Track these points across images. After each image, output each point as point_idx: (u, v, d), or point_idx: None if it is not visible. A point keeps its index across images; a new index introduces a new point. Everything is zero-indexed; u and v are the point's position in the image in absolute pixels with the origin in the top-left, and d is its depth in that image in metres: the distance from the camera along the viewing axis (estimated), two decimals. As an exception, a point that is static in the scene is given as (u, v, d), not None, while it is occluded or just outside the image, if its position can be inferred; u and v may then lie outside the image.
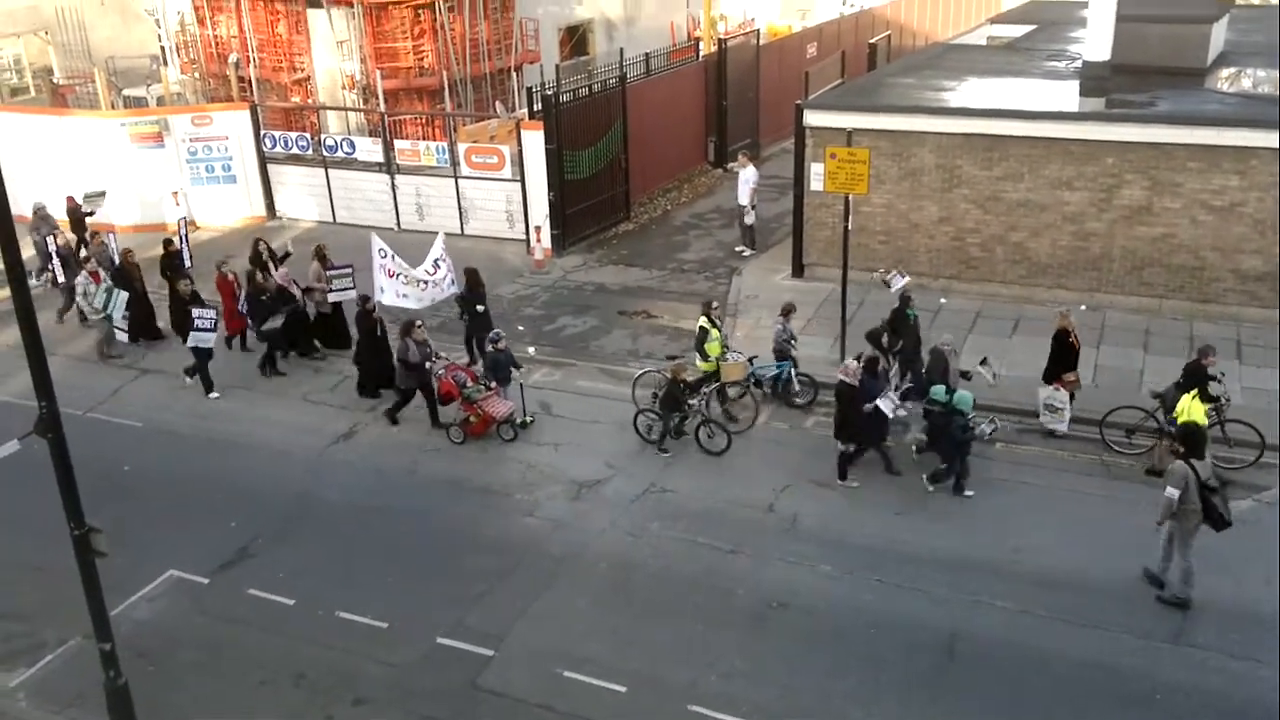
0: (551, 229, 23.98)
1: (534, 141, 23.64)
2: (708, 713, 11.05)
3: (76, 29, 38.47)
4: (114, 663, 10.62)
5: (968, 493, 14.41)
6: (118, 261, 20.49)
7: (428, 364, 16.53)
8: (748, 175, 23.42)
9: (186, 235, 21.61)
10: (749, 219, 23.58)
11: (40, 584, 13.20)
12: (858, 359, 14.89)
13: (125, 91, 34.04)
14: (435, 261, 18.78)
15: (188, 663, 12.07)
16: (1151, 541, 13.25)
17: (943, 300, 20.32)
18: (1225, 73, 23.42)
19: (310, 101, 31.65)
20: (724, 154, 29.47)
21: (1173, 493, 11.86)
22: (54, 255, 20.89)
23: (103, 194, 25.03)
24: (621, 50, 26.82)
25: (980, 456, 15.02)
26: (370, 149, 25.85)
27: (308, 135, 26.94)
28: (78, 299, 19.66)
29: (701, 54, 30.77)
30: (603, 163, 24.86)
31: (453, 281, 18.86)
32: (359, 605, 12.80)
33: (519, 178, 24.24)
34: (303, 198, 26.84)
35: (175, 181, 26.42)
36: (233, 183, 26.75)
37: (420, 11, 30.33)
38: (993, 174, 19.95)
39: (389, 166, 25.57)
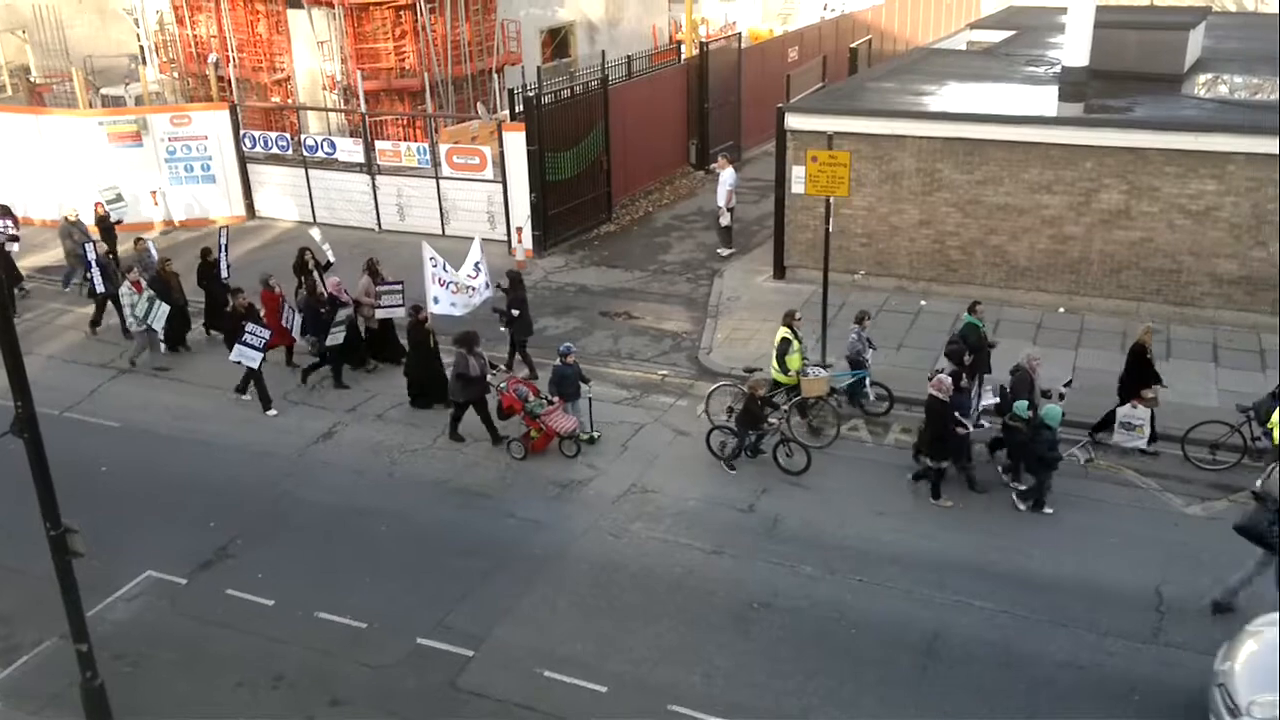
0: (533, 230, 23.96)
1: (515, 143, 23.62)
2: (689, 713, 11.04)
3: (54, 27, 38.18)
4: (90, 663, 10.52)
5: (1047, 510, 14.00)
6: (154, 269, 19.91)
7: (489, 377, 16.02)
8: (726, 177, 23.52)
9: (226, 245, 20.69)
10: (724, 220, 23.68)
11: (16, 584, 13.07)
12: (941, 371, 14.36)
13: (103, 90, 33.81)
14: (476, 265, 18.38)
15: (165, 663, 11.98)
16: (1130, 543, 13.38)
17: (923, 303, 20.42)
18: (1202, 78, 23.64)
19: (290, 102, 31.52)
20: (706, 156, 29.53)
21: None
22: (93, 264, 19.98)
23: (118, 194, 24.26)
24: (603, 53, 26.84)
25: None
26: (351, 149, 25.75)
27: (288, 135, 26.84)
28: (125, 309, 18.97)
29: (683, 57, 30.83)
30: (584, 164, 24.86)
31: (489, 285, 18.53)
32: (338, 606, 12.73)
33: (500, 179, 24.22)
34: (282, 198, 26.73)
35: (154, 181, 26.25)
36: (212, 182, 26.61)
37: (401, 12, 30.26)
38: (972, 178, 20.06)
39: (370, 167, 25.49)
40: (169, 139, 26.15)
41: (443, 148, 24.97)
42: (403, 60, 30.62)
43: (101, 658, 10.81)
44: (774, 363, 16.08)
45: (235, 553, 13.91)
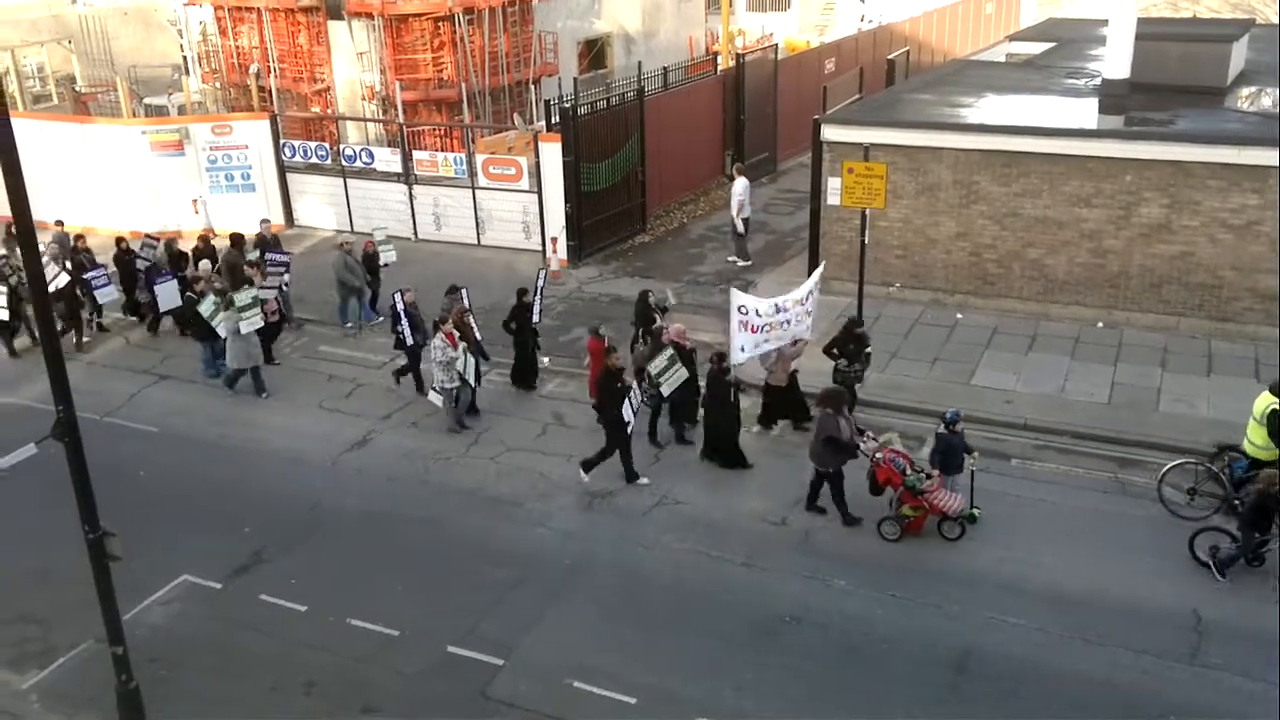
0: (568, 240, 24.04)
1: (551, 153, 23.73)
2: (718, 726, 11.02)
3: (100, 38, 38.86)
4: (126, 666, 10.65)
5: None
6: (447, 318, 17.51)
7: (861, 445, 14.17)
8: (736, 188, 23.56)
9: (542, 288, 18.72)
10: (739, 227, 23.77)
11: (54, 587, 13.25)
12: None
13: (147, 100, 34.37)
14: (809, 293, 16.47)
15: (199, 668, 12.10)
16: (1167, 562, 13.18)
17: (959, 316, 20.27)
18: (1245, 91, 23.34)
19: (330, 112, 31.85)
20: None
21: None
22: (402, 315, 17.80)
23: (387, 235, 22.36)
24: (640, 64, 26.93)
25: (997, 473, 14.98)
26: (389, 159, 26.00)
27: (327, 145, 27.11)
28: (435, 364, 16.70)
29: (719, 68, 30.84)
30: (620, 175, 24.91)
31: (809, 329, 16.57)
32: (370, 613, 12.81)
33: (536, 189, 24.33)
34: (321, 207, 26.99)
35: (195, 189, 26.62)
36: (251, 191, 26.91)
37: (440, 24, 30.54)
38: (1011, 190, 19.91)
39: (407, 177, 25.70)
40: (210, 148, 26.52)
41: (479, 158, 25.12)
42: (441, 71, 30.88)
43: (137, 661, 10.93)
44: (1256, 438, 13.54)
45: (269, 558, 14.03)
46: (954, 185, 20.27)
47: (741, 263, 23.79)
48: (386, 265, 21.69)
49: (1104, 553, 13.45)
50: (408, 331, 17.87)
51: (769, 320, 15.83)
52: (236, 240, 21.54)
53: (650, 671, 11.75)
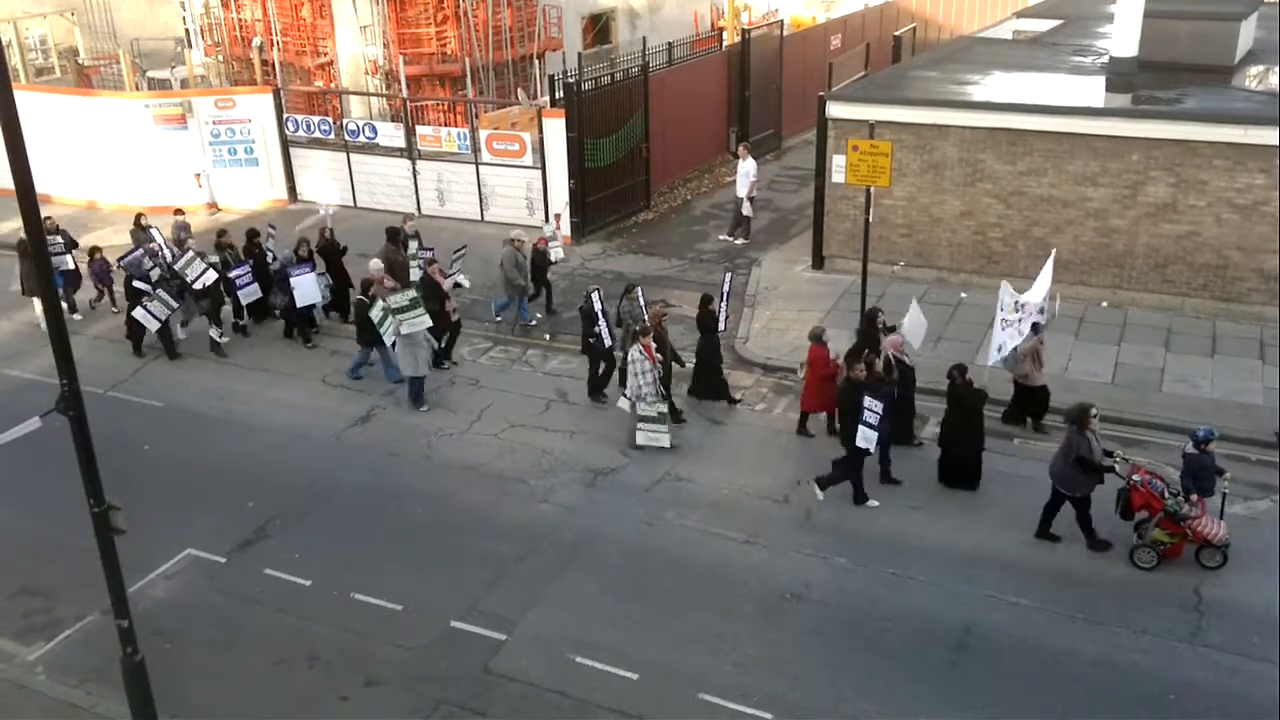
0: (571, 217, 23.97)
1: (555, 129, 23.64)
2: (719, 702, 11.06)
3: (102, 10, 38.64)
4: (131, 639, 10.68)
5: None
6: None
7: (1114, 465, 13.03)
8: (747, 168, 23.47)
9: (729, 291, 17.39)
10: (746, 210, 23.71)
11: (60, 560, 13.32)
12: None
13: (150, 73, 34.22)
14: (1046, 295, 15.46)
15: (203, 641, 12.17)
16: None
17: (963, 295, 20.23)
18: (1253, 70, 23.21)
19: (333, 86, 31.73)
20: (745, 145, 29.38)
21: None
22: (600, 315, 16.60)
23: (555, 232, 20.79)
24: (644, 39, 26.78)
25: (1000, 453, 14.99)
26: (392, 134, 25.91)
27: (330, 119, 27.01)
28: (634, 377, 15.46)
29: (725, 44, 30.66)
30: (623, 151, 24.83)
31: (1044, 311, 15.27)
32: (374, 587, 12.87)
33: (539, 165, 24.26)
34: (324, 181, 26.92)
35: (198, 163, 26.56)
36: (255, 165, 26.86)
37: (444, -2, 30.38)
38: (1016, 169, 19.83)
39: (410, 152, 25.62)
40: (213, 122, 26.43)
41: (483, 133, 25.03)
42: (444, 45, 30.73)
43: (142, 634, 10.95)
44: None
45: (273, 533, 14.08)
46: (959, 163, 20.19)
47: (741, 241, 23.74)
48: (555, 263, 20.58)
49: (1106, 533, 13.46)
50: (606, 334, 16.65)
51: (1017, 300, 15.00)
52: (392, 234, 19.92)
53: (652, 647, 11.81)
